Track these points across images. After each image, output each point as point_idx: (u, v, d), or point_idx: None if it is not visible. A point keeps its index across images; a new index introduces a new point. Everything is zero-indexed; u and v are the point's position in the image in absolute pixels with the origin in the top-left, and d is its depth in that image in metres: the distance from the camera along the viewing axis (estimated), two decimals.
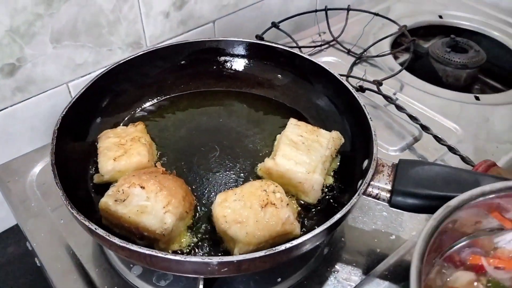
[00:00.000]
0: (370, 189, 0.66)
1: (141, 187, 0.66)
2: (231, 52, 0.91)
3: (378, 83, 0.99)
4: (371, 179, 0.66)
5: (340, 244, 0.75)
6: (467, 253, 0.60)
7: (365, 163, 0.70)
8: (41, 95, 0.98)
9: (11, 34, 0.87)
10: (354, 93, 0.78)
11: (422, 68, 1.17)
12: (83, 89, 0.78)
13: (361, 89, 0.99)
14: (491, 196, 0.58)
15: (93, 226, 0.58)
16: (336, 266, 0.72)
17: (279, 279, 0.69)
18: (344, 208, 0.62)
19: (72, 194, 0.67)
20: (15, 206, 0.81)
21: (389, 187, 0.66)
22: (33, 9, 0.87)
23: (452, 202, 0.56)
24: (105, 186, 0.72)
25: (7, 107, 0.94)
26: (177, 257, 0.56)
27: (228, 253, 0.66)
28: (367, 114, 0.74)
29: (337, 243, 0.75)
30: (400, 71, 1.04)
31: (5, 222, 1.08)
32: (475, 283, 0.56)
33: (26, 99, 0.96)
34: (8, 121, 0.96)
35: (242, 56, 0.91)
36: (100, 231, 0.58)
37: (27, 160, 0.88)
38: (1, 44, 0.86)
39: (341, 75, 0.99)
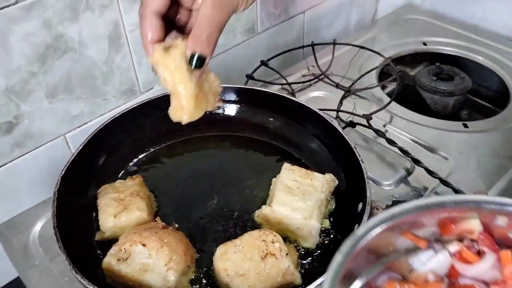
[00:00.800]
0: None
1: (143, 244, 0.68)
2: (223, 98, 0.93)
3: (368, 118, 1.01)
4: None
5: None
6: (383, 280, 0.51)
7: (360, 206, 0.72)
8: (39, 149, 1.00)
9: (7, 94, 0.89)
10: (344, 135, 0.80)
11: (410, 96, 1.19)
12: (80, 147, 0.80)
13: (352, 124, 1.01)
14: (401, 218, 0.47)
15: None
16: None
17: None
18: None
19: (76, 252, 0.68)
20: (19, 265, 0.82)
21: None
22: (27, 68, 0.89)
23: (359, 231, 0.48)
24: (108, 242, 0.74)
25: (6, 163, 0.96)
26: None
27: None
28: (358, 157, 0.76)
29: None
30: (388, 103, 1.06)
31: (8, 275, 1.08)
32: None
33: (24, 154, 0.98)
34: (7, 176, 0.97)
35: (234, 102, 0.94)
36: None
37: (29, 216, 0.89)
38: None
39: (331, 110, 1.02)
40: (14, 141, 0.94)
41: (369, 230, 0.47)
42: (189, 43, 0.58)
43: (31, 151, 0.99)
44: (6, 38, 0.84)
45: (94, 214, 0.78)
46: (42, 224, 0.87)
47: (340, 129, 0.81)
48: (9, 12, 0.82)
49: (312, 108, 0.86)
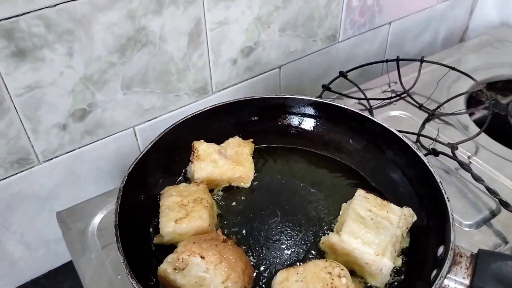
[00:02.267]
0: (446, 282, 0.61)
1: (201, 257, 0.64)
2: (297, 111, 0.89)
3: (453, 147, 0.92)
4: (448, 272, 0.61)
5: None
6: None
7: (441, 249, 0.65)
8: (108, 138, 1.00)
9: (84, 82, 0.89)
10: (429, 167, 0.73)
11: (500, 128, 1.08)
12: (150, 145, 0.78)
13: (434, 153, 0.93)
14: None
15: None
16: None
17: None
18: None
19: (132, 254, 0.66)
20: (75, 253, 0.81)
21: (467, 282, 0.60)
22: (107, 58, 0.89)
23: None
24: (165, 246, 0.71)
25: (75, 149, 0.96)
26: None
27: None
28: (444, 194, 0.69)
29: None
30: (478, 133, 0.97)
31: (63, 256, 1.10)
32: None
33: (93, 142, 0.98)
34: (75, 162, 0.98)
35: (309, 116, 0.89)
36: None
37: (91, 206, 0.89)
38: (75, 91, 0.89)
39: (411, 133, 0.94)
40: (85, 128, 0.95)
41: None
42: None
43: (100, 139, 0.99)
44: (90, 26, 0.84)
45: (154, 216, 0.76)
46: (103, 216, 0.87)
47: (425, 160, 0.74)
48: (96, 0, 0.81)
49: (394, 131, 0.79)
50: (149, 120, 1.04)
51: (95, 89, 0.91)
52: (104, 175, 1.05)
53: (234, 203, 0.80)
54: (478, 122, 1.04)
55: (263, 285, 0.68)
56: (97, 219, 0.86)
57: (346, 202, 0.77)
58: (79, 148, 0.97)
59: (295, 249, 0.73)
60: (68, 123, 0.92)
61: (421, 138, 0.99)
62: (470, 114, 1.11)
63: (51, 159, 0.94)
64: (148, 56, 0.94)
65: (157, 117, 1.04)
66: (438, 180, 0.70)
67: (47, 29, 0.79)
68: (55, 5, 0.78)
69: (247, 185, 0.83)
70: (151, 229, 0.75)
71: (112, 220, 0.83)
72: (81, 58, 0.86)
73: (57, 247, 1.07)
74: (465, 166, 0.89)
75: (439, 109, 1.07)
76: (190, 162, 0.82)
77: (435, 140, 0.96)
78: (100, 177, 1.04)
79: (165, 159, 0.82)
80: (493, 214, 0.85)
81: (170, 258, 0.66)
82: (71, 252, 0.83)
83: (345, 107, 0.85)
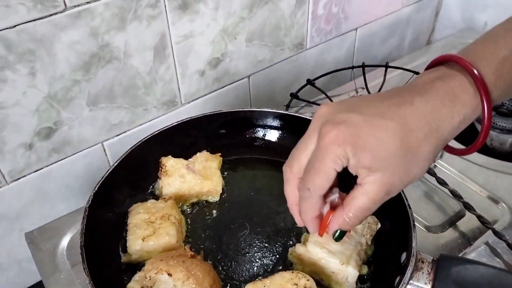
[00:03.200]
0: None
1: (169, 274, 0.64)
2: (265, 123, 0.89)
3: None
4: (410, 278, 0.62)
5: None
6: None
7: (403, 256, 0.66)
8: (76, 155, 0.99)
9: (49, 101, 0.88)
10: None
11: (465, 132, 1.11)
12: (116, 163, 0.78)
13: None
14: None
15: None
16: None
17: None
18: None
19: (101, 273, 0.66)
20: (46, 277, 0.81)
21: (429, 287, 0.62)
22: (71, 76, 0.88)
23: None
24: (134, 265, 0.71)
25: (43, 168, 0.96)
26: None
27: None
28: (405, 201, 0.70)
29: None
30: None
31: (37, 274, 1.08)
32: None
33: (61, 159, 0.97)
34: (43, 180, 0.97)
35: (276, 128, 0.90)
36: None
37: (61, 225, 0.88)
38: (39, 110, 0.88)
39: None
40: (52, 147, 0.94)
41: None
42: (338, 221, 0.56)
43: (68, 157, 0.98)
44: (52, 46, 0.83)
45: (123, 233, 0.76)
46: (72, 235, 0.86)
47: None
48: (57, 19, 0.81)
49: None
50: (118, 135, 1.03)
51: (60, 107, 0.90)
52: (74, 192, 1.04)
53: (203, 218, 0.81)
54: None
55: None
56: (66, 238, 0.86)
57: None
58: (46, 166, 0.96)
59: (264, 261, 0.74)
60: (34, 142, 0.91)
61: None
62: None
63: (18, 178, 0.93)
64: (114, 72, 0.93)
65: (126, 132, 1.04)
66: None
67: (8, 50, 0.78)
68: (14, 26, 0.77)
69: (216, 199, 0.83)
70: (120, 248, 0.75)
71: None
72: (44, 77, 0.85)
73: (30, 266, 1.06)
74: (429, 171, 0.91)
75: None
76: (158, 178, 0.82)
77: None
78: (70, 195, 1.03)
79: (133, 175, 0.82)
80: (458, 216, 0.87)
81: (137, 276, 0.66)
82: (41, 273, 0.82)
83: (309, 118, 0.86)
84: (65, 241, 0.85)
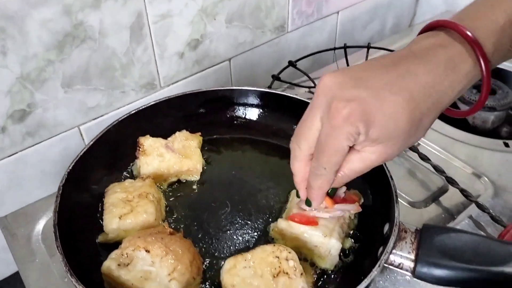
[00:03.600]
0: (392, 257, 0.61)
1: (146, 250, 0.62)
2: (245, 102, 0.88)
3: None
4: (393, 247, 0.61)
5: None
6: None
7: (386, 227, 0.66)
8: (52, 139, 0.96)
9: (21, 81, 0.85)
10: None
11: None
12: (92, 142, 0.76)
13: None
14: None
15: None
16: None
17: None
18: (366, 279, 0.57)
19: (76, 254, 0.64)
20: (20, 259, 0.78)
21: (412, 256, 0.61)
22: (44, 55, 0.85)
23: None
24: (111, 245, 0.69)
25: (17, 152, 0.93)
26: None
27: None
28: (387, 173, 0.69)
29: None
30: None
31: (14, 265, 1.05)
32: None
33: (36, 143, 0.94)
34: (18, 166, 0.94)
35: (256, 106, 0.88)
36: None
37: (35, 210, 0.86)
38: (11, 91, 0.85)
39: None
40: (26, 130, 0.91)
41: None
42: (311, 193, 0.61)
43: (43, 141, 0.95)
44: (23, 23, 0.80)
45: (99, 214, 0.74)
46: (48, 219, 0.84)
47: None
48: None
49: None
50: (95, 119, 1.01)
51: (33, 88, 0.87)
52: (51, 178, 1.01)
53: (183, 197, 0.79)
54: None
55: (213, 275, 0.67)
56: (41, 223, 0.83)
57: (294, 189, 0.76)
58: (21, 151, 0.93)
59: (245, 238, 0.72)
60: (7, 125, 0.88)
61: None
62: None
63: None
64: (89, 52, 0.91)
65: (103, 115, 1.01)
66: None
67: None
68: None
69: (196, 178, 0.81)
70: (95, 229, 0.72)
71: None
72: (16, 57, 0.82)
73: (5, 255, 1.02)
74: (412, 147, 0.90)
75: None
76: (136, 158, 0.79)
77: None
78: (46, 180, 1.00)
79: (110, 155, 0.80)
80: (441, 191, 0.87)
81: (114, 254, 0.64)
82: (16, 259, 0.80)
83: (290, 95, 0.85)
84: (40, 226, 0.83)
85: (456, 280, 0.59)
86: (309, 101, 0.83)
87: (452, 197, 0.85)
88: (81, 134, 1.01)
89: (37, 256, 0.78)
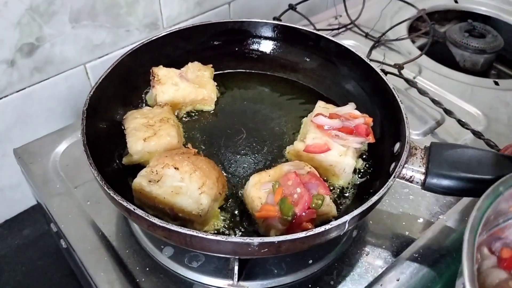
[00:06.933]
0: (404, 171, 0.66)
1: (175, 168, 0.65)
2: (254, 34, 0.90)
3: (400, 67, 0.98)
4: (405, 162, 0.66)
5: (369, 227, 0.75)
6: (498, 245, 0.59)
7: (397, 146, 0.70)
8: (58, 76, 0.97)
9: (30, 13, 0.85)
10: (382, 76, 0.77)
11: (438, 53, 1.16)
12: (109, 70, 0.77)
13: (383, 73, 0.98)
14: None
15: (131, 207, 0.58)
16: (365, 248, 0.72)
17: (310, 261, 0.69)
18: (381, 190, 0.62)
19: (102, 174, 0.66)
20: (39, 188, 0.80)
21: (423, 169, 0.66)
22: None
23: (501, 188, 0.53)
24: (132, 168, 0.71)
25: (25, 88, 0.93)
26: (218, 237, 0.55)
27: (259, 234, 0.66)
28: (397, 97, 0.74)
29: (365, 226, 0.75)
30: (420, 55, 1.03)
31: (21, 204, 1.07)
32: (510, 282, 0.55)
33: (43, 80, 0.95)
34: (26, 102, 0.95)
35: (265, 38, 0.90)
36: (139, 211, 0.57)
37: (47, 142, 0.87)
38: (21, 23, 0.85)
39: None
40: (34, 65, 0.91)
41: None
42: None
43: (50, 77, 0.95)
44: None
45: (119, 140, 0.75)
46: (63, 150, 0.85)
47: (378, 70, 0.78)
48: None
49: (349, 48, 0.83)
50: (100, 57, 1.01)
51: (42, 21, 0.87)
52: (56, 116, 1.02)
53: (199, 125, 0.82)
54: (420, 48, 1.11)
55: (235, 192, 0.71)
56: (57, 152, 0.85)
57: (306, 117, 0.80)
58: (29, 86, 0.93)
59: (262, 160, 0.76)
60: (16, 59, 0.88)
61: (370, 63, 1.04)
62: (413, 42, 1.18)
63: (0, 98, 0.90)
64: None
65: (108, 54, 1.02)
66: (391, 86, 0.75)
67: None
68: None
69: (211, 108, 0.84)
70: (119, 153, 0.75)
71: (74, 151, 0.82)
72: None
73: (12, 194, 1.04)
74: (410, 82, 0.95)
75: (383, 37, 1.12)
76: (152, 87, 0.81)
77: (382, 63, 1.02)
78: (52, 119, 1.01)
79: (123, 86, 0.81)
80: (438, 123, 0.92)
81: (143, 172, 0.66)
82: (35, 187, 0.81)
83: (300, 27, 0.87)
84: (57, 154, 0.84)
85: (462, 189, 0.65)
86: (316, 32, 0.86)
87: (448, 128, 0.91)
88: (87, 73, 1.01)
89: (57, 183, 0.80)
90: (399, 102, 0.73)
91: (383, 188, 0.62)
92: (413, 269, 0.69)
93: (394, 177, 0.64)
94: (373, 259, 0.71)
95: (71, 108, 1.03)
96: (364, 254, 0.72)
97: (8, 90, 0.90)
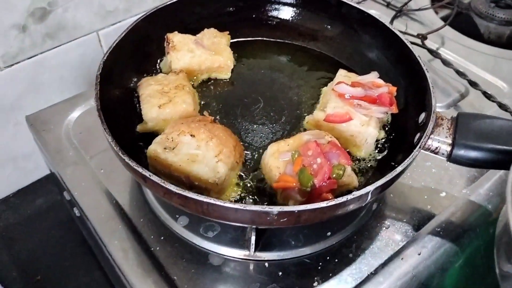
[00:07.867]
0: (429, 142, 0.64)
1: (191, 135, 0.63)
2: (273, 0, 0.86)
3: (423, 37, 0.95)
4: (431, 132, 0.63)
5: (389, 200, 0.73)
6: None
7: (422, 116, 0.67)
8: (71, 43, 0.95)
9: None
10: (408, 44, 0.74)
11: (462, 24, 1.12)
12: (122, 35, 0.75)
13: None
14: None
15: (147, 173, 0.56)
16: (385, 222, 0.70)
17: (328, 233, 0.68)
18: (406, 160, 0.59)
19: (117, 140, 0.64)
20: (52, 156, 0.78)
21: (449, 140, 0.63)
22: None
23: None
24: (146, 137, 0.70)
25: (37, 54, 0.91)
26: (237, 206, 0.53)
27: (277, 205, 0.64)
28: (422, 66, 0.70)
29: (385, 199, 0.73)
30: (444, 25, 0.99)
31: (34, 174, 1.06)
32: None
33: (56, 47, 0.93)
34: (37, 69, 0.93)
35: (284, 4, 0.87)
36: (155, 178, 0.55)
37: (59, 110, 0.85)
38: None
39: None
40: (46, 31, 0.89)
41: None
42: None
43: (62, 44, 0.93)
44: None
45: (133, 107, 0.74)
46: (76, 117, 0.84)
47: (402, 37, 0.75)
48: None
49: (372, 14, 0.79)
50: (113, 24, 0.98)
51: None
52: (68, 85, 1.00)
53: (215, 93, 0.79)
54: (444, 19, 1.07)
55: (252, 161, 0.69)
56: (70, 119, 0.83)
57: (326, 86, 0.78)
58: (41, 53, 0.91)
59: (279, 130, 0.74)
60: (28, 24, 0.86)
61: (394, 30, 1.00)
62: (436, 13, 1.13)
63: (12, 65, 0.88)
64: None
65: (121, 21, 0.99)
66: (417, 55, 0.72)
67: None
68: None
69: (227, 76, 0.81)
70: (134, 120, 0.73)
71: (87, 120, 0.81)
72: None
73: (25, 164, 1.03)
74: (434, 53, 0.92)
75: (406, 6, 1.08)
76: (166, 53, 0.79)
77: (405, 33, 0.98)
78: (64, 87, 0.99)
79: (137, 53, 0.79)
80: (462, 96, 0.89)
81: (158, 139, 0.65)
82: (48, 154, 0.80)
83: None
84: (70, 122, 0.83)
85: (491, 161, 0.62)
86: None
87: (472, 100, 0.88)
88: (99, 40, 0.99)
89: (70, 150, 0.78)
90: (425, 71, 0.70)
91: (408, 159, 0.60)
92: (435, 244, 0.67)
93: (419, 147, 0.61)
94: (393, 233, 0.69)
95: (83, 77, 1.01)
96: (384, 228, 0.70)
97: (20, 56, 0.88)
